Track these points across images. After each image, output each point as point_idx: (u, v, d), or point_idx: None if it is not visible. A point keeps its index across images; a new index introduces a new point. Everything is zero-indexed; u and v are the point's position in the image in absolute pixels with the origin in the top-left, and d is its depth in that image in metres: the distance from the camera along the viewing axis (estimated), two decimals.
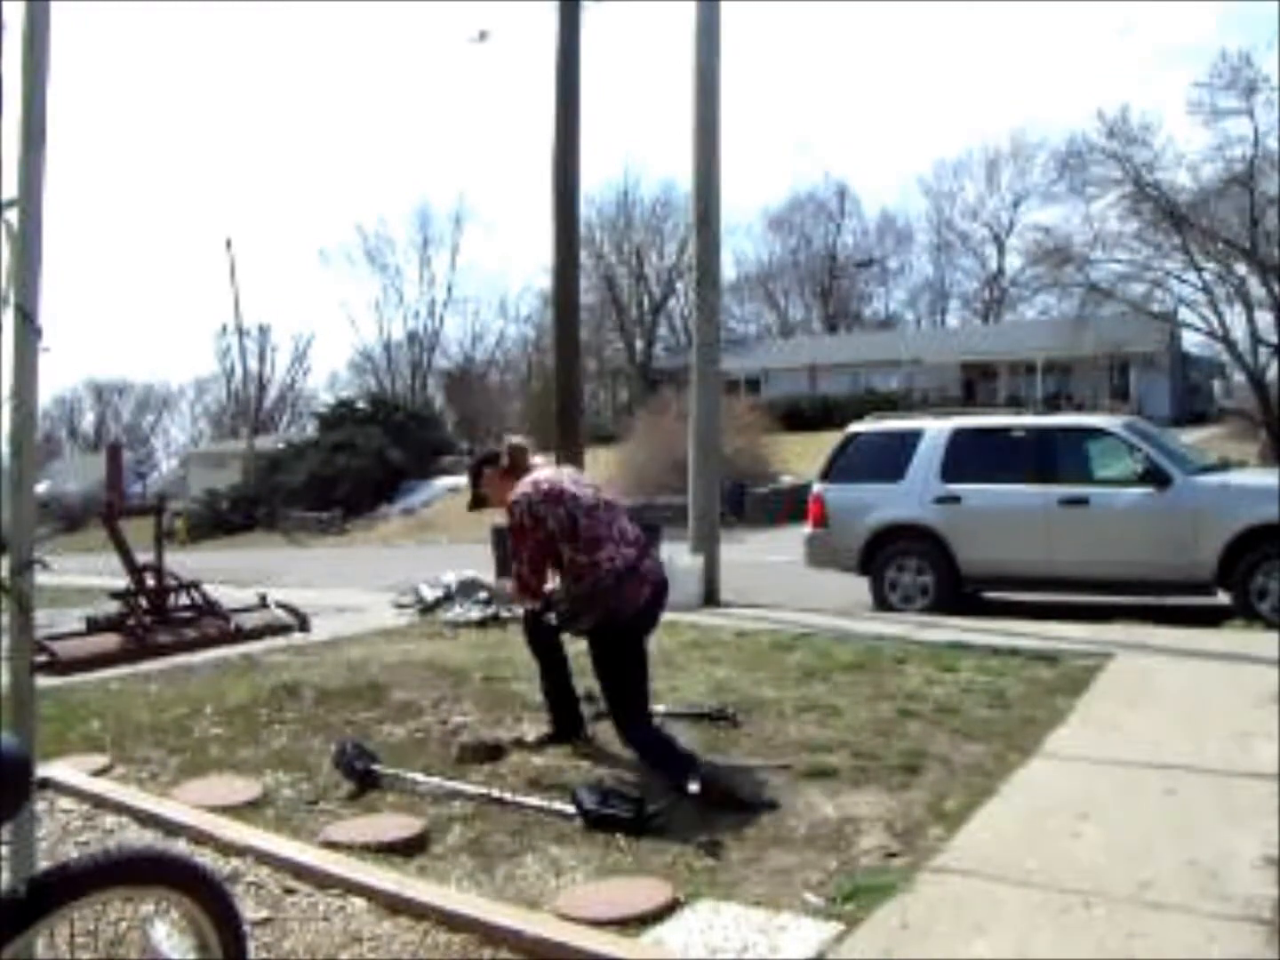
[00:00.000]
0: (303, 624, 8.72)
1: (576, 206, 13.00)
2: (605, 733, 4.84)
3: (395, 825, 3.78)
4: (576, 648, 4.76)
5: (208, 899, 2.02)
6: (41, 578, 2.51)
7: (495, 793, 4.05)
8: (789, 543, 12.62)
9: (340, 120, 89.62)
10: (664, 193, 52.02)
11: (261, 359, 58.47)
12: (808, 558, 10.20)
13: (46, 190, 2.34)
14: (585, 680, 5.81)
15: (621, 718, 4.40)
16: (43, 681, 3.53)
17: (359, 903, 3.18)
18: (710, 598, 9.34)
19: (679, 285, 48.70)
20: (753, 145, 54.83)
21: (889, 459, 9.67)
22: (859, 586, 9.68)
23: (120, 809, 4.08)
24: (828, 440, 11.99)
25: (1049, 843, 3.42)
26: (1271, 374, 27.39)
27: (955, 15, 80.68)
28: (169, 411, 68.01)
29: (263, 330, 56.00)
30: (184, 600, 8.58)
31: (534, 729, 4.93)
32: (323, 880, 3.31)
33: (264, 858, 3.50)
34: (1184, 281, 26.60)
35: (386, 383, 56.63)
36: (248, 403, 50.13)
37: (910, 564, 9.45)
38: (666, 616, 4.77)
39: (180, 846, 3.65)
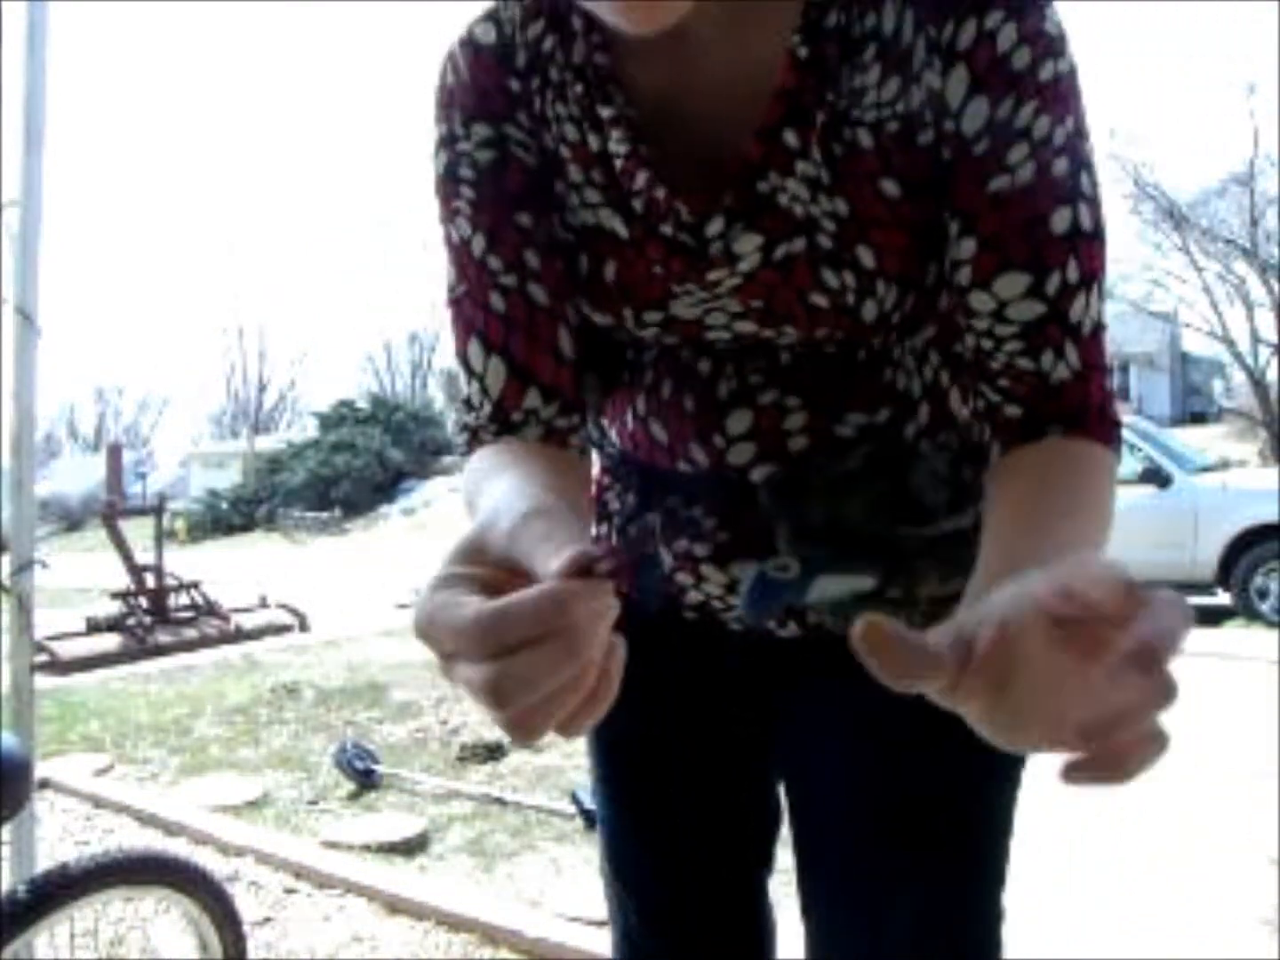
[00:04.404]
0: (303, 624, 8.73)
1: None
2: None
3: (395, 825, 3.79)
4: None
5: (208, 899, 2.02)
6: (41, 578, 2.51)
7: (495, 793, 4.06)
8: None
9: (340, 119, 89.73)
10: None
11: (261, 359, 58.57)
12: None
13: (46, 191, 2.34)
14: None
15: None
16: (43, 681, 3.53)
17: (359, 903, 3.18)
18: None
19: None
20: None
21: None
22: None
23: (120, 809, 4.09)
24: None
25: (1048, 842, 3.42)
26: (1271, 374, 27.37)
27: None
28: (169, 411, 68.12)
29: (262, 330, 56.14)
30: (184, 600, 8.60)
31: None
32: (323, 880, 3.31)
33: (264, 858, 3.51)
34: (1184, 281, 26.62)
35: (386, 383, 56.67)
36: (248, 403, 50.18)
37: None
38: None
39: (180, 846, 3.65)
